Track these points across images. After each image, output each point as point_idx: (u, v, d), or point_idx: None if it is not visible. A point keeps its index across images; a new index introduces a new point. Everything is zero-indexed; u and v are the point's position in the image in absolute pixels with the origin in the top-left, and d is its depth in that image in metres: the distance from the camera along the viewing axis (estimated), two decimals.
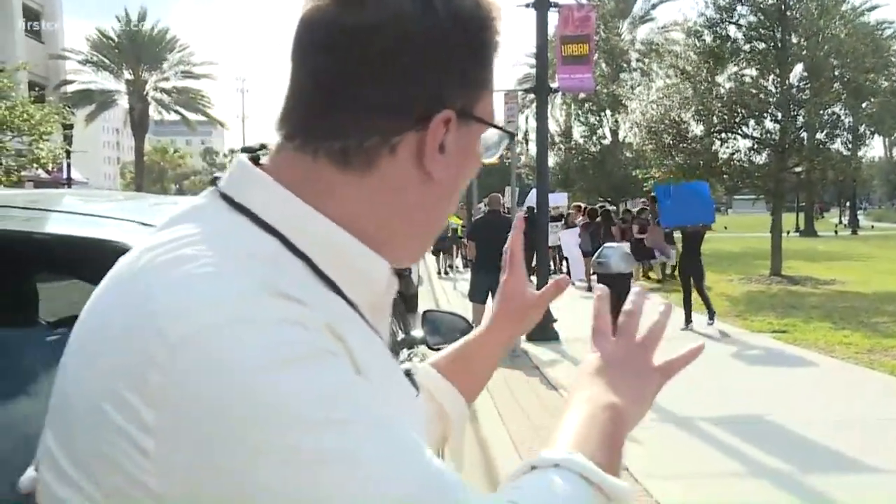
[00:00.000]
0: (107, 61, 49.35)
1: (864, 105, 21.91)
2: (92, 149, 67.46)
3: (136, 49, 49.90)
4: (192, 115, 53.85)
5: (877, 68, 20.99)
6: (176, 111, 53.16)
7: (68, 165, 27.88)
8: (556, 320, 11.72)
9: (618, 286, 4.47)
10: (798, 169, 22.22)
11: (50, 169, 24.00)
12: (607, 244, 4.99)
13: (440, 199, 0.92)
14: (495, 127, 0.94)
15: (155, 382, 0.71)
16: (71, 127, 25.78)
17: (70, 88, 44.19)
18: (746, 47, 21.21)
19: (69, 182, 29.08)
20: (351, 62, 0.85)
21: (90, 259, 1.56)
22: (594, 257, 4.55)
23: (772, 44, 20.98)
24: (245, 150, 0.93)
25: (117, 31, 50.28)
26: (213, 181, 0.90)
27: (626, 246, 15.48)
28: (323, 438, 0.71)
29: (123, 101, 51.44)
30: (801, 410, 7.37)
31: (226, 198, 0.87)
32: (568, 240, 19.39)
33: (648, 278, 20.63)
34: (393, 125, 0.86)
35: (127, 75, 50.28)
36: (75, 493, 0.76)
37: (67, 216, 2.02)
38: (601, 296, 1.16)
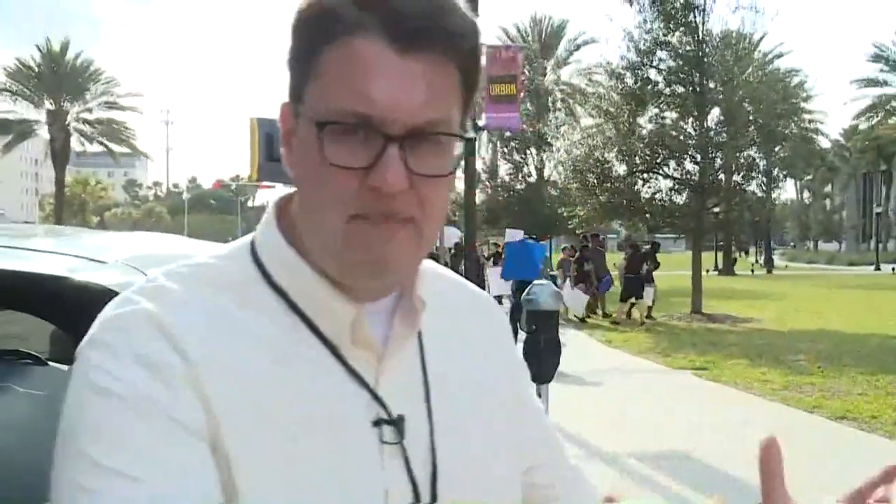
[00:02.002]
0: (26, 91, 48.18)
1: (776, 149, 22.74)
2: (9, 179, 65.59)
3: (57, 79, 48.85)
4: (115, 147, 52.87)
5: (787, 114, 21.82)
6: (99, 142, 52.14)
7: None
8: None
9: (546, 324, 4.51)
10: (717, 209, 22.85)
11: None
12: (536, 281, 5.04)
13: (305, 198, 0.89)
14: (317, 117, 0.84)
15: None
16: None
17: None
18: (667, 91, 21.82)
19: None
20: None
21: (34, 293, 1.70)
22: (524, 294, 4.59)
23: (690, 88, 21.63)
24: None
25: (38, 61, 49.18)
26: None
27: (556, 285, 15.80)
28: (78, 470, 0.78)
29: (44, 132, 50.23)
30: (721, 445, 7.48)
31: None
32: (496, 279, 19.53)
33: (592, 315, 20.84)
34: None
35: (48, 105, 49.15)
36: None
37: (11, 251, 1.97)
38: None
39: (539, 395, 4.65)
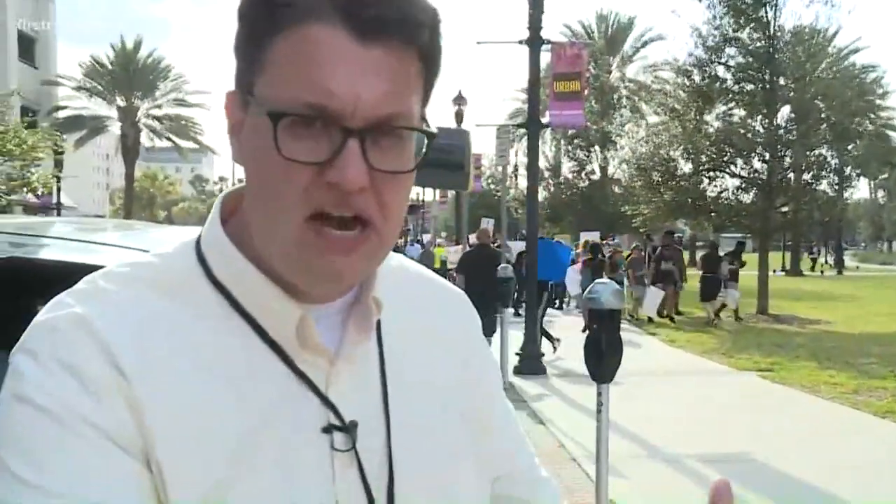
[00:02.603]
0: (100, 88, 49.45)
1: (849, 147, 22.18)
2: (81, 174, 67.39)
3: (129, 76, 50.03)
4: (183, 143, 53.94)
5: (862, 111, 21.27)
6: (168, 138, 53.23)
7: (58, 190, 27.85)
8: (543, 354, 11.74)
9: (608, 323, 4.50)
10: (785, 209, 22.39)
11: (40, 193, 23.97)
12: (598, 280, 5.02)
13: (256, 195, 0.83)
14: (268, 112, 0.78)
15: None
16: (62, 152, 25.80)
17: (62, 114, 44.20)
18: (735, 88, 21.45)
19: (59, 207, 29.03)
20: None
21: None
22: (584, 293, 4.57)
23: (760, 85, 21.23)
24: None
25: (111, 59, 50.43)
26: None
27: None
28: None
29: (115, 128, 51.49)
30: (786, 449, 7.37)
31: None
32: (571, 276, 19.50)
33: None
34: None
35: (119, 102, 50.37)
36: None
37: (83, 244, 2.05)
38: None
39: (599, 395, 4.64)
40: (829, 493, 6.15)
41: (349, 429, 0.85)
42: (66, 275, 1.80)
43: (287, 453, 0.82)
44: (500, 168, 17.89)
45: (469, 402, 0.99)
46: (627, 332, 17.30)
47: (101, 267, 1.74)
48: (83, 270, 1.76)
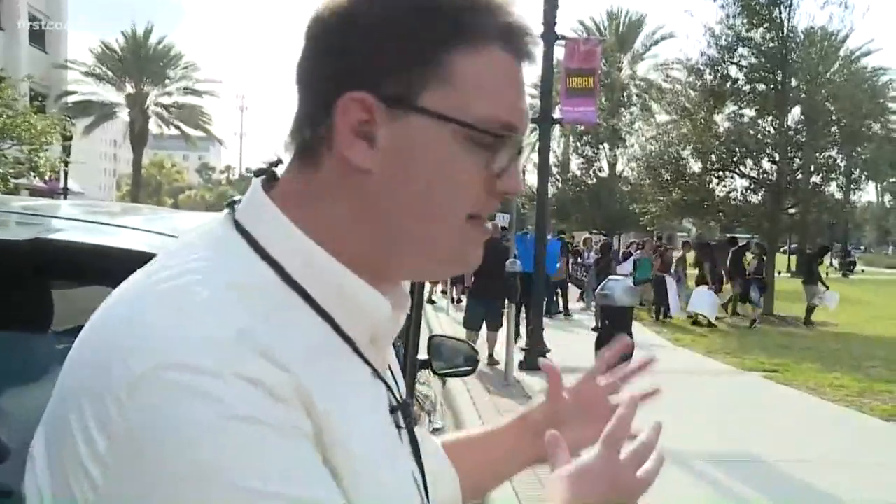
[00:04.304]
0: (110, 74, 49.51)
1: (858, 150, 22.13)
2: (89, 159, 67.46)
3: (139, 63, 50.09)
4: (191, 131, 54.00)
5: (873, 114, 21.21)
6: (176, 126, 53.30)
7: (65, 175, 27.88)
8: (549, 350, 11.73)
9: (620, 319, 4.50)
10: (793, 210, 22.35)
11: (47, 178, 24.01)
12: (611, 276, 5.02)
13: (401, 196, 0.85)
14: (458, 122, 0.83)
15: (112, 413, 0.71)
16: (70, 138, 25.82)
17: (71, 99, 44.25)
18: (747, 88, 21.41)
19: (66, 192, 29.07)
20: (304, 50, 0.88)
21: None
22: (597, 289, 4.56)
23: (772, 86, 21.17)
24: (260, 171, 0.92)
25: (122, 45, 50.47)
26: (231, 204, 0.90)
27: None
28: None
29: (123, 114, 51.56)
30: (790, 450, 7.37)
31: (238, 225, 0.86)
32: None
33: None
34: (318, 112, 0.85)
35: (129, 88, 50.43)
36: (35, 495, 0.77)
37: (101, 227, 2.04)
38: (629, 404, 1.09)
39: None
40: (832, 493, 6.15)
41: (405, 408, 0.96)
42: (92, 257, 1.81)
43: (388, 436, 0.91)
44: None
45: None
46: (635, 332, 17.34)
47: (130, 251, 1.73)
48: (110, 254, 1.77)
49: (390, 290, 0.91)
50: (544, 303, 18.85)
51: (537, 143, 12.39)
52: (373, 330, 0.89)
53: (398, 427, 0.93)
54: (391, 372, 0.99)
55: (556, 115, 13.40)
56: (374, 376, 0.90)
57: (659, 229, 25.79)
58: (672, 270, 19.32)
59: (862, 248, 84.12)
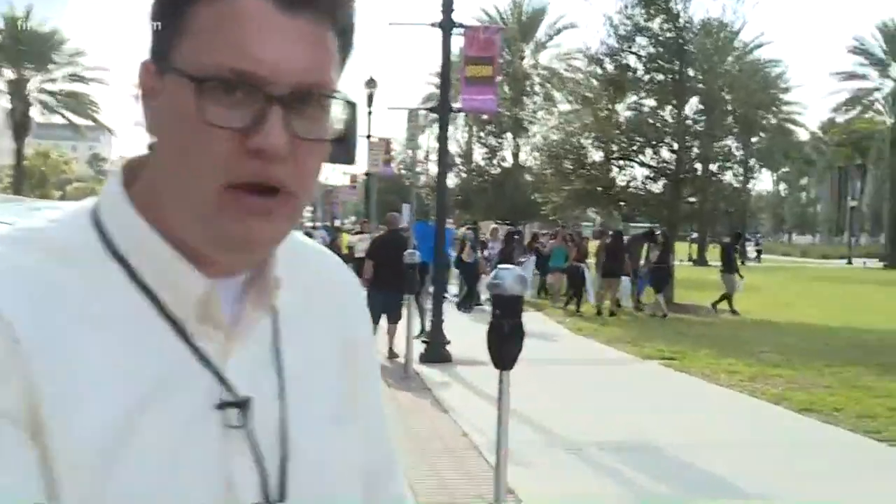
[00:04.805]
0: None
1: (753, 140, 22.98)
2: None
3: (19, 47, 48.07)
4: (79, 120, 52.19)
5: (765, 104, 22.04)
6: (61, 114, 51.43)
7: None
8: (449, 342, 11.80)
9: (511, 309, 4.54)
10: (692, 199, 23.01)
11: None
12: (502, 265, 5.05)
13: (172, 163, 0.82)
14: (189, 77, 0.78)
15: None
16: None
17: None
18: (646, 77, 21.94)
19: None
20: None
21: None
22: (489, 278, 4.59)
23: (670, 76, 21.74)
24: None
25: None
26: None
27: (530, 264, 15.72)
28: None
29: (4, 101, 49.49)
30: (684, 437, 7.59)
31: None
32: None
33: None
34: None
35: (9, 74, 48.40)
36: None
37: None
38: None
39: (501, 382, 4.69)
40: (722, 476, 6.36)
41: (243, 405, 0.85)
42: None
43: (175, 429, 0.81)
44: (410, 152, 17.91)
45: (349, 382, 0.99)
46: (535, 321, 17.59)
47: None
48: None
49: (225, 269, 0.86)
50: (465, 295, 19.20)
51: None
52: (198, 310, 0.84)
53: (230, 426, 0.84)
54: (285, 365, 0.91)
55: (457, 104, 13.47)
56: (202, 363, 0.84)
57: (562, 219, 26.17)
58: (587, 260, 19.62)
59: (759, 235, 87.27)
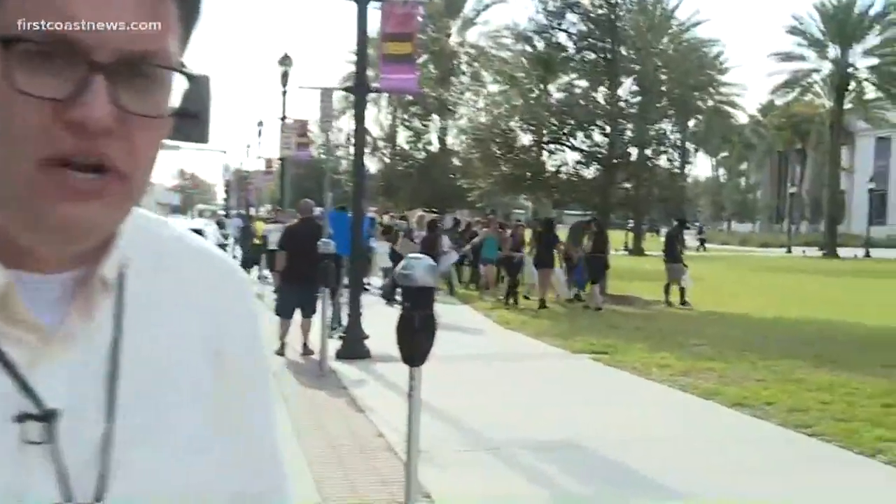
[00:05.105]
0: None
1: (691, 123, 23.39)
2: None
3: None
4: None
5: (702, 85, 22.42)
6: None
7: None
8: (367, 337, 11.75)
9: (421, 300, 4.52)
10: (626, 185, 23.30)
11: None
12: (411, 254, 5.02)
13: None
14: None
15: None
16: None
17: None
18: (577, 57, 22.12)
19: None
20: None
21: None
22: (398, 268, 4.55)
23: (602, 55, 21.97)
24: None
25: None
26: None
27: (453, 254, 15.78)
28: None
29: None
30: (611, 435, 7.68)
31: None
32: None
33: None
34: None
35: None
36: None
37: None
38: None
39: (411, 379, 4.67)
40: (653, 475, 6.45)
41: (48, 418, 0.79)
42: None
43: None
44: (328, 136, 17.78)
45: (221, 396, 0.94)
46: (461, 314, 17.65)
47: None
48: None
49: (50, 263, 0.82)
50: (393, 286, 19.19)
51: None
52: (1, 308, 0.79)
53: (29, 441, 0.79)
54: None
55: (376, 84, 13.40)
56: (4, 369, 0.79)
57: (490, 206, 26.30)
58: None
59: (698, 223, 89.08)
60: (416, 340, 4.51)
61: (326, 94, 12.30)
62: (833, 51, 58.13)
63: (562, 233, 22.30)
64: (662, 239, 62.62)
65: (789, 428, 7.95)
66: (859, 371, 10.84)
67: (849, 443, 7.38)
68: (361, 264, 12.32)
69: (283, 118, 24.78)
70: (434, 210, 36.29)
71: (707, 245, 61.02)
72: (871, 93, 60.57)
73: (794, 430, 7.85)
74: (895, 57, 58.70)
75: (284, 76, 25.38)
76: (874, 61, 59.47)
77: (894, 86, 57.63)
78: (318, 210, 16.87)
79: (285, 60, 25.38)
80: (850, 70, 57.99)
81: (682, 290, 19.87)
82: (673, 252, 20.48)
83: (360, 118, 12.11)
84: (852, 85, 58.13)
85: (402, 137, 40.93)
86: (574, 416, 8.45)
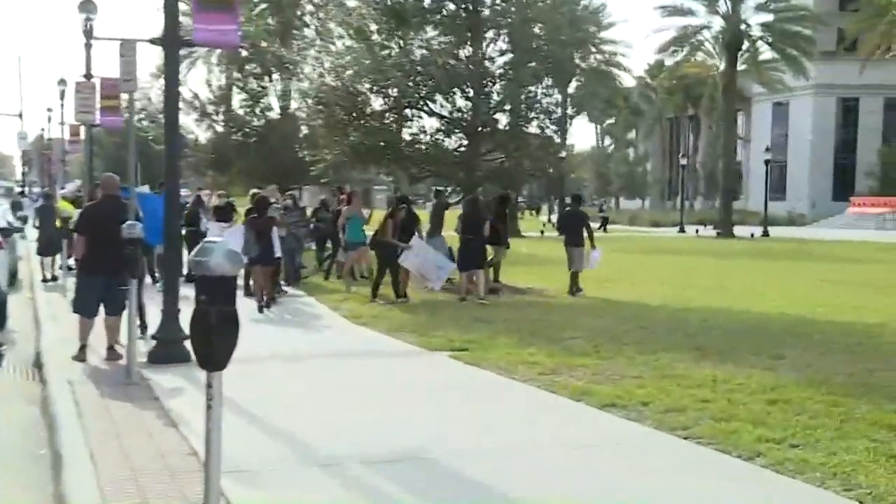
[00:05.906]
0: None
1: (572, 86, 23.66)
2: None
3: None
4: None
5: (578, 42, 22.63)
6: None
7: None
8: (187, 337, 11.45)
9: (219, 293, 4.37)
10: (497, 156, 23.37)
11: None
12: (209, 238, 4.84)
13: None
14: None
15: None
16: None
17: None
18: (434, 7, 22.02)
19: None
20: None
21: None
22: (192, 254, 4.37)
23: (463, 5, 21.92)
24: None
25: None
26: None
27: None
28: None
29: None
30: (467, 443, 7.70)
31: None
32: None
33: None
34: None
35: None
36: None
37: None
38: None
39: (210, 387, 4.53)
40: (505, 491, 6.47)
41: None
42: None
43: None
44: (150, 99, 17.10)
45: None
46: (303, 308, 17.48)
47: None
48: None
49: None
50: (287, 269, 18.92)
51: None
52: None
53: None
54: None
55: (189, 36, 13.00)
56: None
57: (337, 181, 26.02)
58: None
59: (602, 201, 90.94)
60: (213, 340, 4.36)
61: (128, 46, 11.73)
62: (724, 4, 60.06)
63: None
64: (543, 218, 63.54)
65: (664, 430, 8.14)
66: (745, 364, 11.24)
67: (727, 445, 7.60)
68: (175, 252, 11.98)
69: (88, 76, 23.83)
70: (285, 187, 35.77)
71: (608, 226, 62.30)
72: (766, 53, 62.97)
73: (669, 433, 8.04)
74: (791, 13, 61.18)
75: (87, 26, 24.40)
76: (768, 17, 61.79)
77: (790, 46, 60.10)
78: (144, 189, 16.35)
79: (87, 6, 24.36)
80: (742, 27, 60.09)
81: (573, 275, 20.08)
82: (575, 234, 20.42)
83: (171, 77, 11.75)
84: (746, 44, 60.23)
85: (237, 101, 40.15)
86: (423, 423, 8.43)
